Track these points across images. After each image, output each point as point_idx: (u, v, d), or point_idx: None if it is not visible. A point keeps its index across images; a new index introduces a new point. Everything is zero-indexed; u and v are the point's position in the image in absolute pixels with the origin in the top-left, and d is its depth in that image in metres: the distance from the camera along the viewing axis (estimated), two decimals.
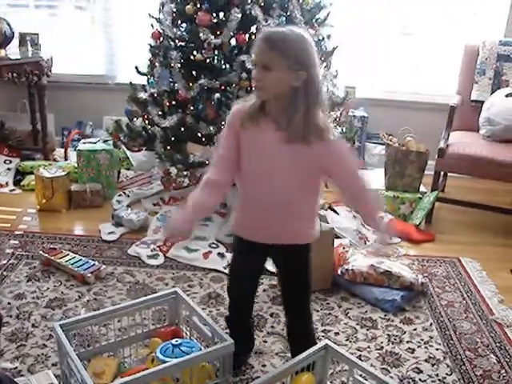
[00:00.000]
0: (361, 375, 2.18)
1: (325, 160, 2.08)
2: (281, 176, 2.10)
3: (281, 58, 1.91)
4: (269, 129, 2.04)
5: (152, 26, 4.04)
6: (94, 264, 3.33)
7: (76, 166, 4.47)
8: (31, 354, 2.63)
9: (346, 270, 3.26)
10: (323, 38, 3.98)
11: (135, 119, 4.11)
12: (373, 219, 2.21)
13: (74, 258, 3.40)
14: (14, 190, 4.57)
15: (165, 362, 2.18)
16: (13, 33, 4.74)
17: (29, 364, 2.56)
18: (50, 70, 4.95)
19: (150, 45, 4.06)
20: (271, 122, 2.04)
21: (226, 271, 3.32)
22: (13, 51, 4.80)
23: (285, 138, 2.02)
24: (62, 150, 5.04)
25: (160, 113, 3.87)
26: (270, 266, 3.19)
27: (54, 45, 5.15)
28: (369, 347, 2.79)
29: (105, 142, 4.49)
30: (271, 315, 3.00)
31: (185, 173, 4.17)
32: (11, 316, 2.91)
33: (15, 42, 4.85)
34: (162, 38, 3.97)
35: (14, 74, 4.66)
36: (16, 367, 2.52)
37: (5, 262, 3.45)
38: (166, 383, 2.20)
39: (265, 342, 2.79)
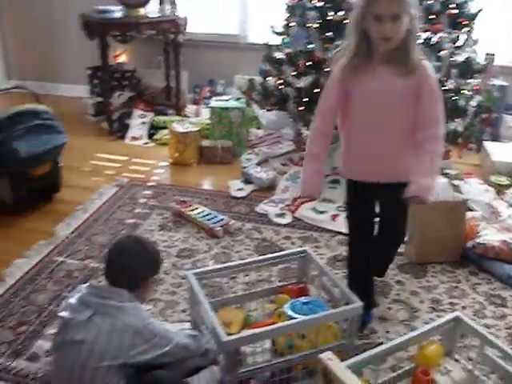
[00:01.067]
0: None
1: (421, 89, 2.22)
2: (392, 116, 2.27)
3: (405, 5, 2.11)
4: (381, 72, 2.21)
5: None
6: (222, 218, 3.39)
7: (208, 122, 4.55)
8: (162, 299, 2.75)
9: (477, 243, 3.11)
10: (466, 1, 3.76)
11: (269, 78, 4.10)
12: (415, 175, 2.23)
13: (203, 211, 3.48)
14: (147, 143, 4.75)
15: (293, 318, 2.18)
16: None
17: (160, 308, 2.67)
18: (185, 29, 5.05)
19: (287, 4, 4.01)
20: (382, 66, 2.21)
21: None
22: (151, 10, 4.92)
23: (398, 76, 2.20)
24: (194, 107, 5.15)
25: (294, 73, 3.83)
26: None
27: (190, 4, 5.23)
28: (497, 325, 2.65)
29: (237, 100, 4.53)
30: (397, 282, 2.93)
31: None
32: None
33: (154, 0, 4.96)
34: None
35: (153, 32, 4.79)
36: (149, 309, 2.64)
37: (139, 210, 3.61)
38: (292, 339, 2.21)
39: (389, 309, 2.73)
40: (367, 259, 2.59)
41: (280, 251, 2.72)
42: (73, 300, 2.03)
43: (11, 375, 2.31)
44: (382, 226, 2.57)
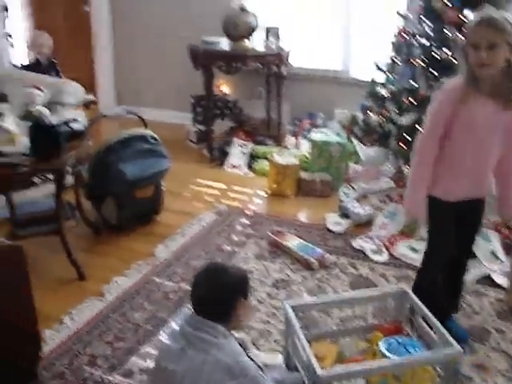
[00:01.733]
0: None
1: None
2: (491, 140, 2.45)
3: (503, 34, 2.25)
4: (487, 101, 2.36)
5: (397, 23, 4.00)
6: (318, 251, 3.39)
7: (307, 155, 4.58)
8: (255, 327, 2.76)
9: None
10: None
11: (370, 114, 4.09)
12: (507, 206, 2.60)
13: (299, 242, 3.49)
14: (246, 172, 4.82)
15: (388, 357, 2.14)
16: (258, 25, 4.97)
17: (253, 336, 2.68)
18: (289, 62, 5.13)
19: (393, 42, 4.01)
20: (488, 95, 2.36)
21: None
22: (257, 43, 5.04)
23: (501, 107, 2.36)
24: (293, 139, 5.19)
25: (397, 110, 3.81)
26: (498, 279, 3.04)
27: (294, 38, 5.32)
28: None
29: (336, 134, 4.54)
30: (496, 330, 2.81)
31: None
32: None
33: (260, 34, 5.08)
34: (406, 36, 3.90)
35: (258, 64, 4.90)
36: (243, 337, 2.65)
37: (236, 238, 3.66)
38: (386, 379, 2.16)
39: (488, 356, 2.62)
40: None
41: (375, 288, 2.68)
42: (174, 326, 2.06)
43: None
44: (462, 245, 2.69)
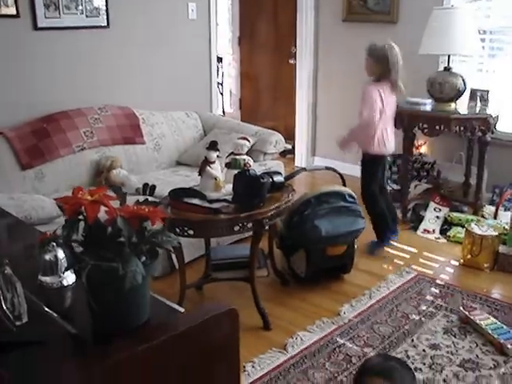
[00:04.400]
0: None
1: None
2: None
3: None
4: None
5: None
6: None
7: (507, 227, 4.32)
8: None
9: None
10: None
11: None
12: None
13: (494, 323, 3.27)
14: (439, 238, 4.65)
15: None
16: (465, 88, 4.84)
17: None
18: (495, 127, 4.92)
19: None
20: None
21: None
22: (462, 106, 4.90)
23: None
24: (492, 208, 4.94)
25: None
26: None
27: (503, 102, 5.09)
28: None
29: None
30: None
31: None
32: (424, 364, 2.96)
33: (466, 96, 4.94)
34: None
35: (461, 128, 4.76)
36: None
37: (424, 308, 3.54)
38: None
39: None
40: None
41: None
42: None
43: None
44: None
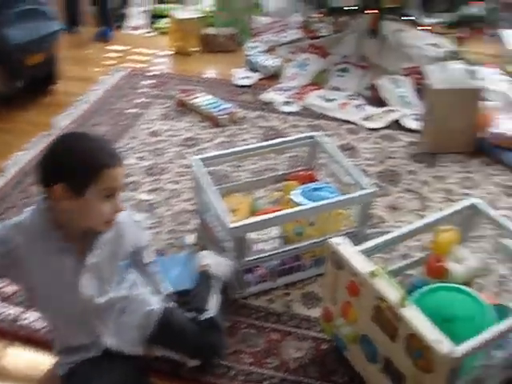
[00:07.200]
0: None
1: None
2: None
3: None
4: None
5: None
6: (227, 107, 3.25)
7: (211, 10, 4.31)
8: (166, 188, 2.66)
9: (492, 133, 2.96)
10: None
11: None
12: None
13: (208, 99, 3.33)
14: (149, 32, 4.52)
15: (301, 204, 2.09)
16: None
17: (164, 197, 2.59)
18: None
19: None
20: None
21: (363, 123, 3.17)
22: None
23: None
24: None
25: None
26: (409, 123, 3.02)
27: None
28: None
29: None
30: (408, 172, 2.82)
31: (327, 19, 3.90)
32: (148, 151, 2.95)
33: None
34: None
35: None
36: (153, 198, 2.57)
37: (140, 101, 3.47)
38: (302, 226, 2.13)
39: (400, 198, 2.63)
40: None
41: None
42: None
43: None
44: None
